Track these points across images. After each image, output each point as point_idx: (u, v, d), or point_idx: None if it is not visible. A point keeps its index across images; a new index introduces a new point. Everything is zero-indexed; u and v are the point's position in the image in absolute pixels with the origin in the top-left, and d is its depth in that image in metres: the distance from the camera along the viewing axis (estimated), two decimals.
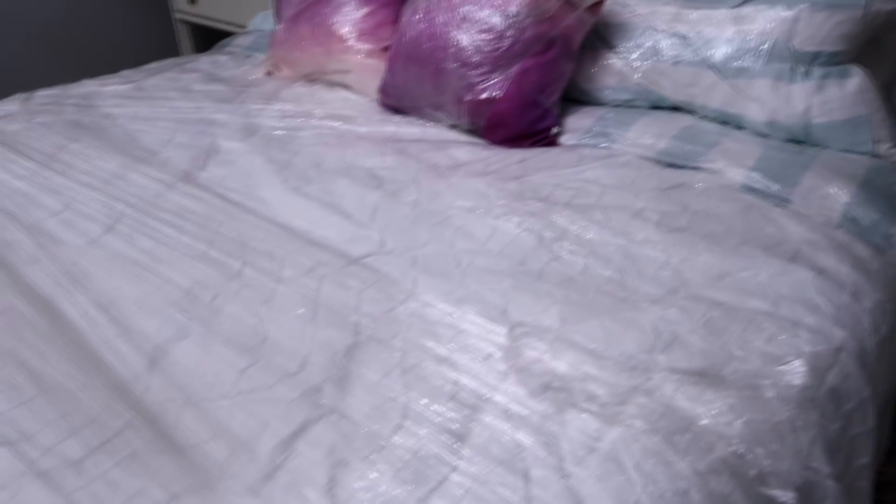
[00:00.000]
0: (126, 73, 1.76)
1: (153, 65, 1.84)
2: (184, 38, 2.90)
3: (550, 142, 1.37)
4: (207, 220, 1.09)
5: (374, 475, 0.67)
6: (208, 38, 2.80)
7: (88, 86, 1.65)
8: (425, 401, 0.76)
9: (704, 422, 0.73)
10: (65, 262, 1.00)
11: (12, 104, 1.52)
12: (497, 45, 1.33)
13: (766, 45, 1.29)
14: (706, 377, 0.78)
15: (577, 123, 1.40)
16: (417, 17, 1.43)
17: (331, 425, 0.73)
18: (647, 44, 1.41)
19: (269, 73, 1.72)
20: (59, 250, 1.03)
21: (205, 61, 1.85)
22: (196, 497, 0.66)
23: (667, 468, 0.68)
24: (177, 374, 0.81)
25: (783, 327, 0.86)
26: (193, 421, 0.74)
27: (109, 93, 1.59)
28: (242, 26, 2.36)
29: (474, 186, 1.18)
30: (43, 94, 1.58)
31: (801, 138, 1.28)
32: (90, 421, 0.74)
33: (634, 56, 1.41)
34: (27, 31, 2.47)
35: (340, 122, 1.44)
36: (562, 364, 0.80)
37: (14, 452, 0.71)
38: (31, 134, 1.37)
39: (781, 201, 1.13)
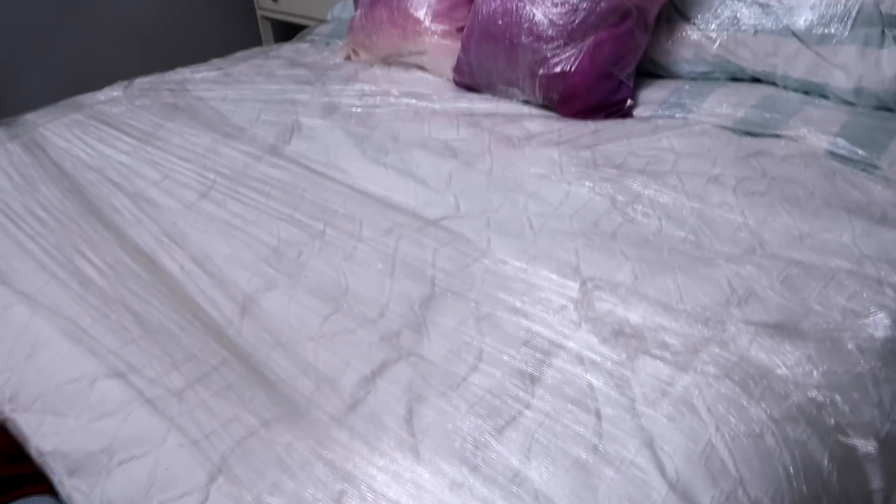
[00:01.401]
0: (215, 61, 1.87)
1: (239, 53, 1.94)
2: (267, 33, 3.03)
3: (624, 114, 1.37)
4: (292, 187, 1.16)
5: (450, 409, 0.70)
6: (290, 34, 2.92)
7: (182, 73, 1.76)
8: (499, 346, 0.78)
9: (781, 371, 0.73)
10: (164, 223, 1.08)
11: (115, 90, 1.64)
12: (571, 18, 1.34)
13: (853, 10, 1.24)
14: (783, 329, 0.78)
15: (652, 96, 1.39)
16: None
17: (409, 365, 0.77)
18: (725, 14, 1.38)
19: (347, 58, 1.79)
20: (159, 214, 1.11)
21: (287, 49, 1.94)
22: (286, 424, 0.71)
23: (740, 412, 0.68)
24: (266, 319, 0.87)
25: (867, 285, 0.84)
26: (282, 359, 0.80)
27: (200, 78, 1.70)
28: (322, 21, 2.45)
29: (547, 155, 1.20)
30: (141, 81, 1.70)
31: (890, 105, 1.23)
32: (189, 358, 0.81)
33: (712, 27, 1.39)
34: (125, 29, 2.65)
35: (416, 100, 1.49)
36: (634, 315, 0.81)
37: (125, 382, 0.78)
38: (132, 115, 1.48)
39: (868, 167, 1.10)
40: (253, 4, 2.94)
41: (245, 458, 0.68)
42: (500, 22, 1.43)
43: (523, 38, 1.39)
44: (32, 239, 1.06)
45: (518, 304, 0.85)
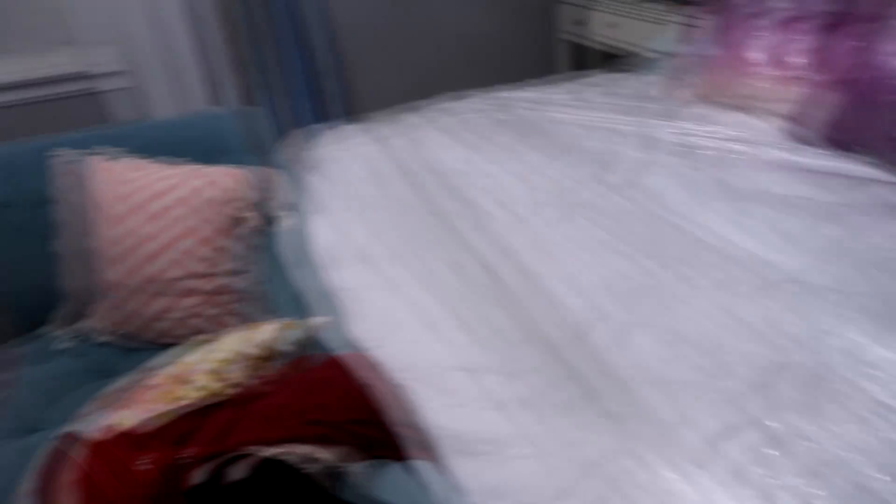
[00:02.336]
0: (533, 82, 1.97)
1: (555, 77, 2.02)
2: (561, 56, 3.12)
3: None
4: (620, 217, 1.18)
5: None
6: (583, 58, 2.99)
7: (504, 91, 1.88)
8: (871, 446, 0.72)
9: None
10: (499, 235, 1.16)
11: (447, 101, 1.81)
12: None
13: None
14: None
15: None
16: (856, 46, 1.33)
17: (758, 430, 0.74)
18: None
19: (671, 93, 1.77)
20: (495, 224, 1.20)
21: (602, 77, 1.97)
22: (636, 460, 0.72)
23: None
24: (600, 350, 0.89)
25: None
26: (621, 392, 0.81)
27: (523, 98, 1.80)
28: (626, 49, 2.46)
29: None
30: (471, 95, 1.85)
31: None
32: (568, 376, 0.86)
33: None
34: (447, 44, 2.94)
35: (744, 145, 1.42)
36: None
37: (507, 381, 0.86)
38: (464, 126, 1.62)
39: None
40: (552, 26, 3.06)
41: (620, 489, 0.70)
42: (867, 76, 1.31)
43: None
44: (393, 229, 1.20)
45: (889, 401, 0.77)
